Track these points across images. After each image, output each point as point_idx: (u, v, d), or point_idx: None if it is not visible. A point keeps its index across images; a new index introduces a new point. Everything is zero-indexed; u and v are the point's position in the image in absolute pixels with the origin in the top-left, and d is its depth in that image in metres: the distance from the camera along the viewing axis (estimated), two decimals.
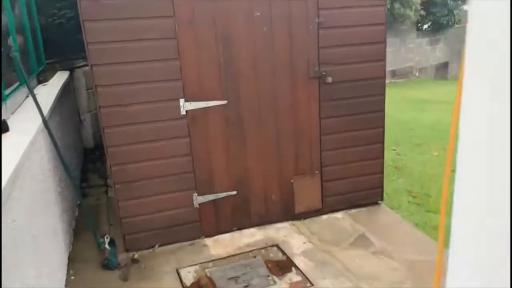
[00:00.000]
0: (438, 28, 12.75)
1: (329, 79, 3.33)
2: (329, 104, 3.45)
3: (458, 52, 14.16)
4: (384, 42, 3.44)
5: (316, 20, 3.24)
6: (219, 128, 3.27)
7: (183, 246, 3.39)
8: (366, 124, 3.58)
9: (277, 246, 3.29)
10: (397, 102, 8.62)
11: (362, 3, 3.31)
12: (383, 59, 3.47)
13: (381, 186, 3.85)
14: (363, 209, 3.84)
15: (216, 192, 3.39)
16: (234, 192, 3.43)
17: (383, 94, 3.56)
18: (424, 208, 4.18)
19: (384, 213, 3.84)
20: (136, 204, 3.23)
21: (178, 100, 3.11)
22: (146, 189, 3.21)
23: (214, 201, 3.40)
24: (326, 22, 3.25)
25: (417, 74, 12.88)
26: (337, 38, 3.33)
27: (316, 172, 3.58)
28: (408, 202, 4.33)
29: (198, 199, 3.35)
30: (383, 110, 3.60)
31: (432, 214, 4.06)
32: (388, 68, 11.62)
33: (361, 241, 3.34)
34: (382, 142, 3.68)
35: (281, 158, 3.47)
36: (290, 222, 3.62)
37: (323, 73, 3.34)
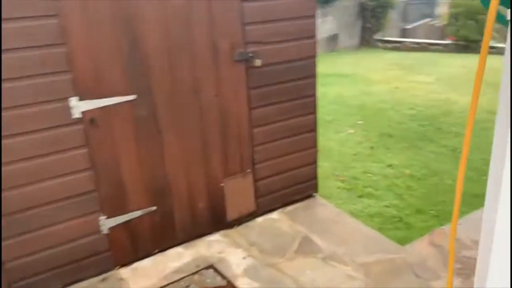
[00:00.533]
0: (326, 1, 12.85)
1: (258, 62, 2.78)
2: (259, 91, 2.91)
3: (346, 25, 14.53)
4: (314, 16, 2.98)
5: None
6: (127, 131, 2.55)
7: (93, 284, 2.65)
8: (299, 110, 3.13)
9: (213, 267, 2.72)
10: None
11: None
12: (314, 35, 3.02)
13: (315, 177, 3.48)
14: (299, 204, 3.44)
15: (130, 211, 2.68)
16: (154, 208, 2.76)
17: (315, 76, 3.13)
18: (355, 194, 3.93)
19: (320, 206, 3.48)
20: (24, 242, 2.40)
21: (67, 99, 2.31)
22: (35, 220, 2.39)
23: (128, 222, 2.69)
24: None
25: None
26: (264, 12, 2.78)
27: (248, 171, 3.05)
28: (338, 188, 4.05)
29: (106, 223, 2.62)
30: (315, 94, 3.18)
31: (365, 199, 3.83)
32: None
33: (306, 245, 2.93)
34: (315, 130, 3.28)
35: (207, 159, 2.87)
36: (223, 232, 3.07)
37: (250, 55, 2.78)
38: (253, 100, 2.90)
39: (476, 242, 2.83)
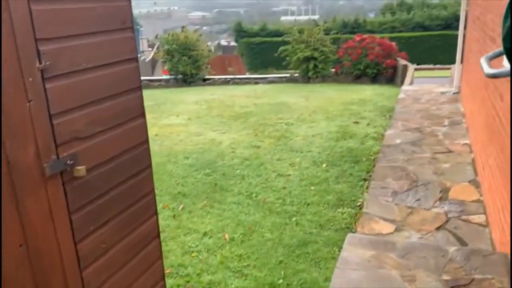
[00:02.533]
0: None
1: (81, 171, 1.72)
2: (85, 212, 1.82)
3: None
4: (140, 88, 2.10)
5: (38, 64, 1.53)
6: None
7: None
8: (136, 219, 2.16)
9: None
10: None
11: (104, 27, 1.83)
12: (142, 113, 2.13)
13: None
14: None
15: None
16: None
17: (150, 166, 2.24)
18: None
19: None
20: None
21: None
22: None
23: None
24: (54, 65, 1.60)
25: None
26: (78, 93, 1.73)
27: None
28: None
29: None
30: (153, 190, 2.28)
31: None
32: None
33: None
34: (158, 236, 2.37)
35: None
36: None
37: (70, 161, 1.68)
38: (78, 228, 1.79)
39: None
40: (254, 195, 4.63)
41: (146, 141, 2.16)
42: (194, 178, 5.02)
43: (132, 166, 2.09)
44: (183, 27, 14.27)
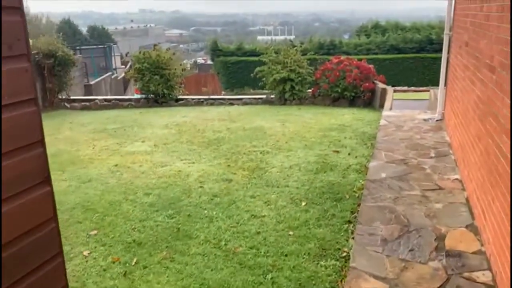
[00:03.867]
0: None
1: None
2: None
3: None
4: (42, 142, 1.42)
5: None
6: None
7: None
8: None
9: None
10: None
11: None
12: (46, 178, 1.44)
13: None
14: None
15: None
16: None
17: (61, 254, 1.54)
18: None
19: None
20: None
21: None
22: None
23: None
24: None
25: None
26: None
27: None
28: None
29: None
30: None
31: None
32: None
33: None
34: None
35: None
36: None
37: None
38: None
39: None
40: (223, 243, 3.94)
41: (54, 219, 1.47)
42: (154, 221, 4.29)
43: (32, 256, 1.39)
44: (154, 45, 13.60)
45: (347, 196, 4.85)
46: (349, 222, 4.27)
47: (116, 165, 5.92)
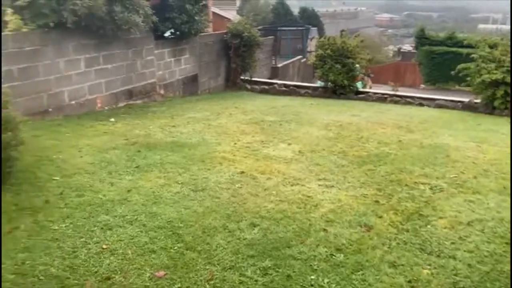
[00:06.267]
0: (180, 36, 10.45)
1: None
2: None
3: (207, 64, 12.27)
4: None
5: None
6: None
7: None
8: None
9: None
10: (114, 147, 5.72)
11: None
12: None
13: None
14: None
15: None
16: None
17: None
18: None
19: None
20: None
21: None
22: None
23: None
24: None
25: (162, 91, 10.36)
26: None
27: None
28: None
29: None
30: None
31: None
32: (123, 87, 8.69)
33: None
34: None
35: None
36: None
37: None
38: None
39: None
40: None
41: None
42: (240, 274, 3.09)
43: None
44: (342, 30, 12.17)
45: None
46: None
47: (242, 173, 4.94)
